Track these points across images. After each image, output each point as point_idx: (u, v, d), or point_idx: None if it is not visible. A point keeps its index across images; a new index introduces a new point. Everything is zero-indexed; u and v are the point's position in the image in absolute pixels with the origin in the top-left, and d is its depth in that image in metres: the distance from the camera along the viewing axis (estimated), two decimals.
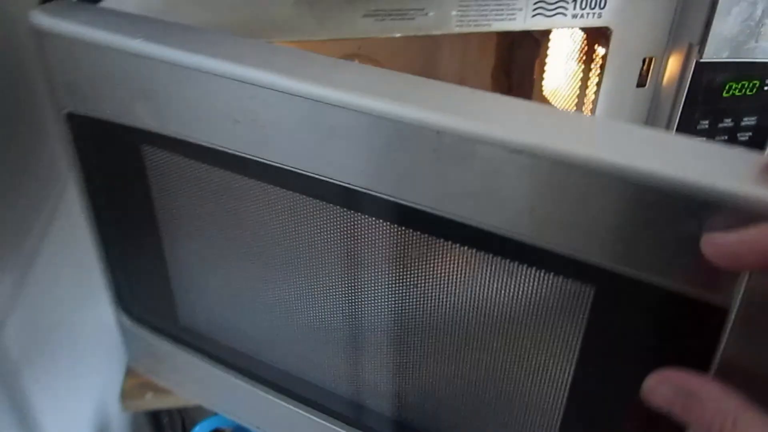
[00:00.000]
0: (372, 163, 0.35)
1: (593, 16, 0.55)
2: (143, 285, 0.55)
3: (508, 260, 0.35)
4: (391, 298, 0.40)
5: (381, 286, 0.40)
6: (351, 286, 0.42)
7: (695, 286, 0.29)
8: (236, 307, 0.50)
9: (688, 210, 0.28)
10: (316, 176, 0.38)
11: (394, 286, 0.39)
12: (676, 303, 0.30)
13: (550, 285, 0.35)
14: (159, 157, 0.45)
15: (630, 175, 0.28)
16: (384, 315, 0.41)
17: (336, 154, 0.36)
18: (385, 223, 0.37)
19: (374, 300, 0.41)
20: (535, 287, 0.35)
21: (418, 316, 0.40)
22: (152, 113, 0.41)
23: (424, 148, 0.33)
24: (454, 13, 0.52)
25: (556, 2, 0.54)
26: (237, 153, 0.40)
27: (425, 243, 0.37)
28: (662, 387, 0.30)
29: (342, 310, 0.43)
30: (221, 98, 0.38)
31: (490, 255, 0.35)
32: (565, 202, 0.31)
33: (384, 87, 0.35)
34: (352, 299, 0.42)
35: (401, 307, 0.40)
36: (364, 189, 0.36)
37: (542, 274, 0.35)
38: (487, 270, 0.36)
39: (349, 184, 0.37)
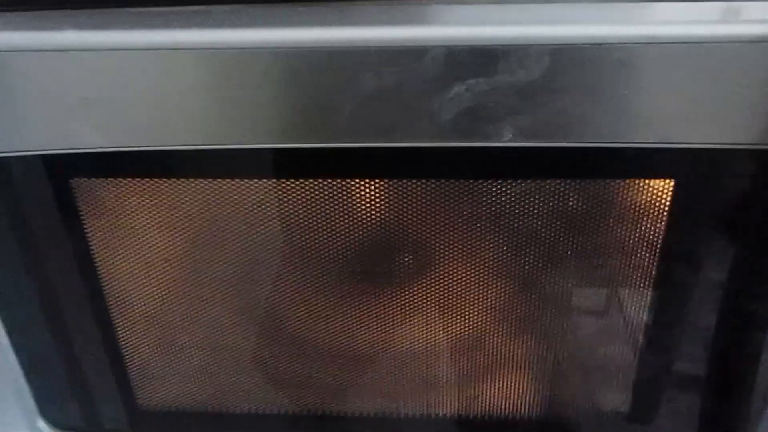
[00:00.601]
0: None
1: None
2: (81, 376, 0.43)
3: (579, 180, 0.33)
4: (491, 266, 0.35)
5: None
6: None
7: None
8: (231, 352, 0.41)
9: None
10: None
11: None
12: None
13: (626, 193, 0.33)
14: (104, 189, 0.35)
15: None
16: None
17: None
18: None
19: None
20: (610, 199, 0.33)
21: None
22: (97, 126, 0.32)
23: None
24: None
25: None
26: (224, 147, 0.32)
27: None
28: None
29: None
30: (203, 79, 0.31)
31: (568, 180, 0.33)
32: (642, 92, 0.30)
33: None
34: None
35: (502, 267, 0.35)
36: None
37: (616, 184, 0.33)
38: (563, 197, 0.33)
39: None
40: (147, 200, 0.35)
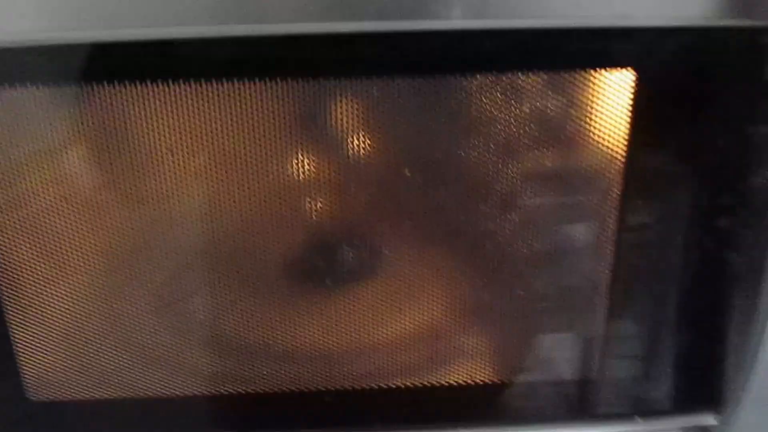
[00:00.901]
0: None
1: None
2: None
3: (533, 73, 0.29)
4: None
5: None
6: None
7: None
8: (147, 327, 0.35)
9: None
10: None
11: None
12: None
13: (584, 89, 0.30)
14: None
15: None
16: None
17: None
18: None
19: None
20: (567, 96, 0.30)
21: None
22: None
23: None
24: None
25: None
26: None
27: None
28: None
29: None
30: None
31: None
32: None
33: None
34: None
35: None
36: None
37: (571, 77, 0.30)
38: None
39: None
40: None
